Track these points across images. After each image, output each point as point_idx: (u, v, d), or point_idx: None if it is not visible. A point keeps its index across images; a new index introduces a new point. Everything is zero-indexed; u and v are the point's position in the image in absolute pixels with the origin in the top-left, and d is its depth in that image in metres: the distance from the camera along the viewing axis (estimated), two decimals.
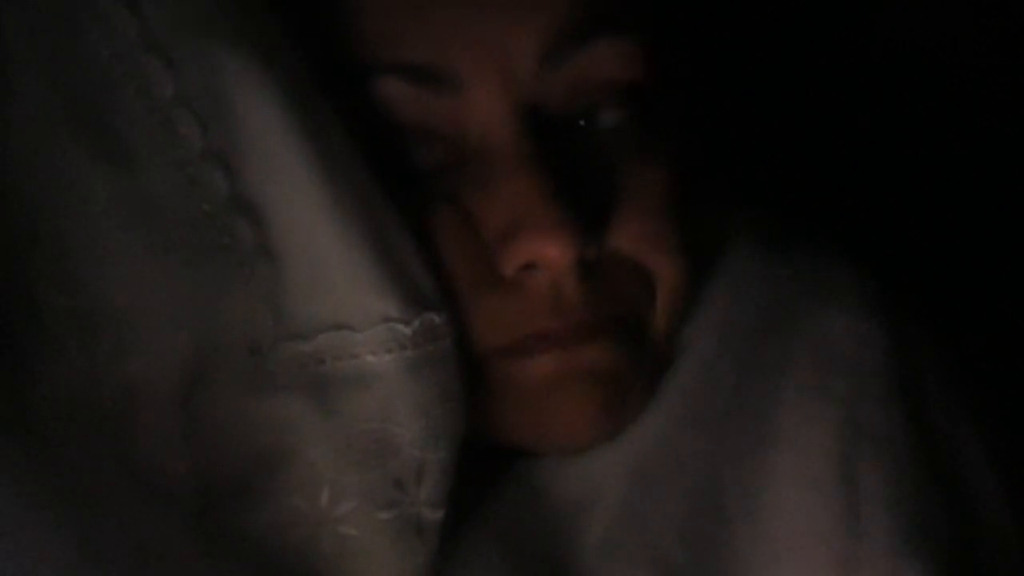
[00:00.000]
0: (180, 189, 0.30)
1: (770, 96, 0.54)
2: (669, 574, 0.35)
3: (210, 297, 0.30)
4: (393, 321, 0.31)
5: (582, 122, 0.36)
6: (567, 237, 0.33)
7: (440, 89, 0.34)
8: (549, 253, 0.33)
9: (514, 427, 0.37)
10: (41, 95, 0.29)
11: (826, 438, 0.35)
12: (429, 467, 0.32)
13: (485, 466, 0.37)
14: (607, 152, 0.36)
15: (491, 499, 0.38)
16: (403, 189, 0.34)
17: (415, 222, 0.34)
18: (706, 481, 0.37)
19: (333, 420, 0.31)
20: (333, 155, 0.31)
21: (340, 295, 0.31)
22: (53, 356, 0.29)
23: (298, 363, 0.31)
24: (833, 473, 0.35)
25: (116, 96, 0.29)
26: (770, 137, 0.53)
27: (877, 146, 0.53)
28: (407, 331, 0.31)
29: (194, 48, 0.30)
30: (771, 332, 0.39)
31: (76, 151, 0.29)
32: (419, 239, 0.33)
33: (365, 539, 0.32)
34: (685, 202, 0.38)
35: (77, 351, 0.29)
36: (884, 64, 0.54)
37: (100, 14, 0.30)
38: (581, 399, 0.36)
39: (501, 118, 0.34)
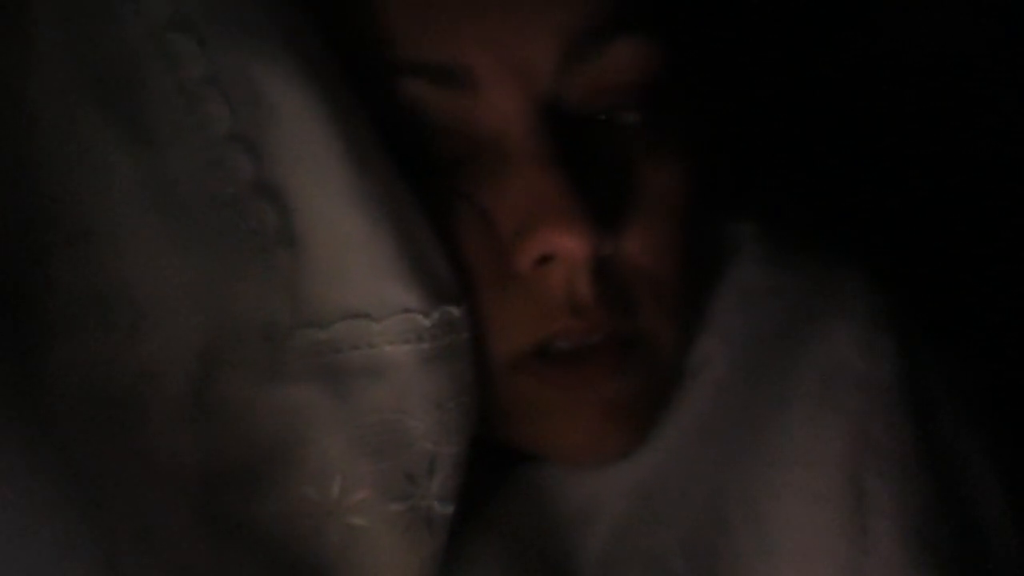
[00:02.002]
0: (205, 171, 0.29)
1: (777, 104, 0.54)
2: None
3: (229, 281, 0.30)
4: (412, 312, 0.31)
5: (603, 116, 0.36)
6: (584, 230, 0.33)
7: (457, 88, 0.34)
8: (566, 245, 0.33)
9: (525, 436, 0.37)
10: (68, 70, 0.29)
11: (834, 451, 0.35)
12: (441, 461, 0.32)
13: (490, 467, 0.37)
14: (622, 152, 0.36)
15: (495, 501, 0.38)
16: (419, 183, 0.33)
17: (431, 216, 0.33)
18: (712, 493, 0.37)
19: (347, 410, 0.31)
20: (359, 144, 0.31)
21: (360, 284, 0.31)
22: (69, 335, 0.29)
23: (314, 351, 0.31)
24: (840, 486, 0.35)
25: (144, 74, 0.29)
26: (777, 146, 0.53)
27: (885, 154, 0.54)
28: (426, 323, 0.31)
29: (225, 31, 0.29)
30: (781, 345, 0.39)
31: (101, 128, 0.29)
32: (436, 233, 0.33)
33: (375, 530, 0.31)
34: (696, 208, 0.38)
35: (93, 331, 0.29)
36: (890, 70, 0.54)
37: None
38: (595, 425, 0.36)
39: (517, 117, 0.34)
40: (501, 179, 0.35)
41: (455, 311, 0.32)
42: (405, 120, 0.34)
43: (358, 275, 0.31)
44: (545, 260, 0.34)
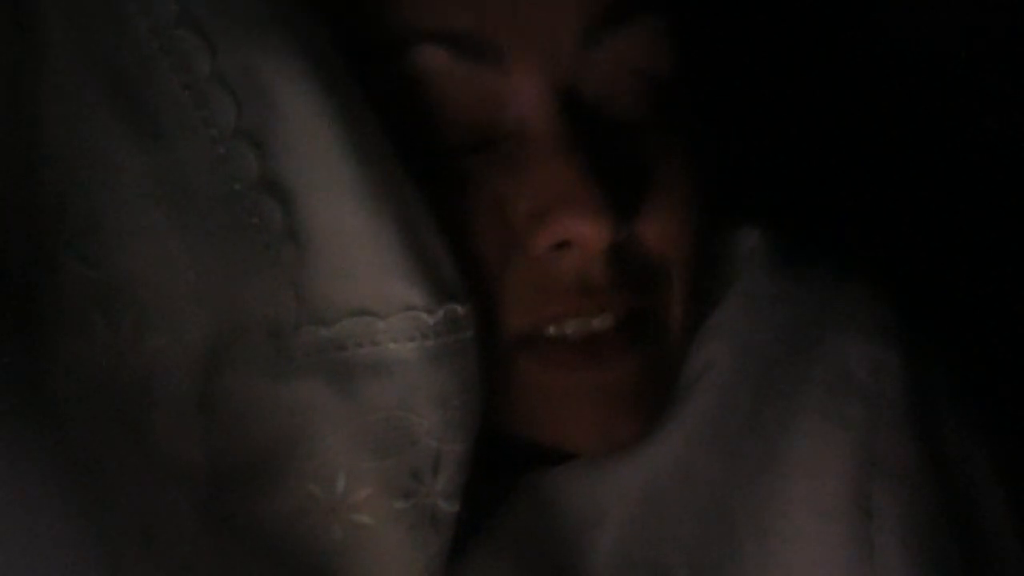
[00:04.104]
0: (211, 167, 0.30)
1: (781, 107, 0.54)
2: None
3: (235, 277, 0.30)
4: (417, 309, 0.31)
5: (619, 101, 0.36)
6: (604, 218, 0.34)
7: (480, 60, 0.34)
8: (586, 232, 0.34)
9: (532, 426, 0.37)
10: (75, 66, 0.29)
11: (840, 465, 0.35)
12: (446, 458, 0.32)
13: (496, 475, 0.37)
14: (637, 137, 0.37)
15: (501, 509, 0.38)
16: (430, 168, 0.34)
17: (441, 201, 0.33)
18: (717, 504, 0.36)
19: (352, 407, 0.31)
20: (365, 141, 0.31)
21: (365, 281, 0.31)
22: (75, 329, 0.29)
23: (319, 348, 0.31)
24: (847, 501, 0.34)
25: (151, 70, 0.29)
26: (783, 152, 0.53)
27: (890, 160, 0.53)
28: (430, 320, 0.31)
29: (232, 27, 0.30)
30: (788, 355, 0.38)
31: (108, 123, 0.29)
32: (445, 218, 0.33)
33: (379, 528, 0.31)
34: (706, 200, 0.39)
35: (99, 325, 0.29)
36: (896, 72, 0.54)
37: None
38: (601, 410, 0.36)
39: (540, 97, 0.35)
40: (518, 162, 0.35)
41: (460, 309, 0.32)
42: (422, 99, 0.34)
43: (363, 272, 0.31)
44: (561, 245, 0.35)
